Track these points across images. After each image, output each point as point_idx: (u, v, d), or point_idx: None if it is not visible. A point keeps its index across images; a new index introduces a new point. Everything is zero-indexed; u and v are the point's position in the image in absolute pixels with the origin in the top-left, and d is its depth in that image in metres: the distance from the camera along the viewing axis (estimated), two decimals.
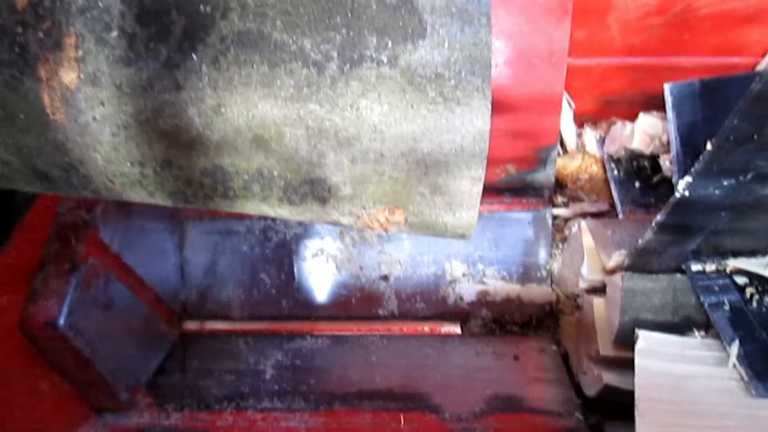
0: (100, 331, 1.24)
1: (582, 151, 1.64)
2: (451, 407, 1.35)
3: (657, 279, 1.19)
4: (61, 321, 1.13)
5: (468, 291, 1.65)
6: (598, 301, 1.31)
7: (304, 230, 1.69)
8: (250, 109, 0.72)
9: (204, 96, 0.72)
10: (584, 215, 1.61)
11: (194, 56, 0.71)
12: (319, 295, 1.67)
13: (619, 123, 1.59)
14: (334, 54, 0.71)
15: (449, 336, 1.62)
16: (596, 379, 1.28)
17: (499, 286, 1.65)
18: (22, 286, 1.16)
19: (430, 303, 1.66)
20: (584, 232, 1.40)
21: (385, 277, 1.67)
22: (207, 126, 0.73)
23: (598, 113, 1.65)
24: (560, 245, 1.64)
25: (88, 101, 0.73)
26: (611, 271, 1.27)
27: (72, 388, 1.27)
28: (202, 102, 0.72)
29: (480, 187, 0.77)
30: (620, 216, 1.54)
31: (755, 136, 0.88)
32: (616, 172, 1.59)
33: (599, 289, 1.35)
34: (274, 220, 1.67)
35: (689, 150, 1.35)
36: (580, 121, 1.68)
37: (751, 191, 0.98)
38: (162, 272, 1.60)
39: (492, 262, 1.66)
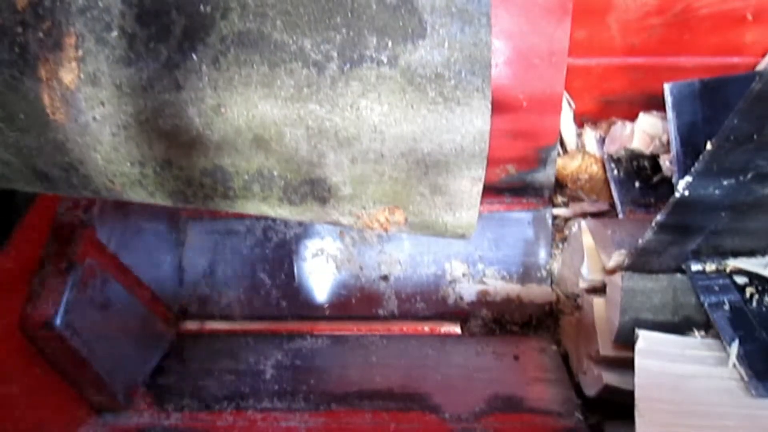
0: (97, 331, 1.24)
1: (582, 151, 1.64)
2: (451, 407, 1.35)
3: (657, 279, 1.19)
4: (58, 321, 1.13)
5: (468, 291, 1.65)
6: (598, 301, 1.31)
7: (304, 230, 1.69)
8: (250, 109, 0.72)
9: (204, 96, 0.72)
10: (584, 215, 1.61)
11: (194, 56, 0.71)
12: (319, 295, 1.68)
13: (619, 123, 1.59)
14: (334, 54, 0.71)
15: (449, 336, 1.62)
16: (596, 379, 1.28)
17: (499, 286, 1.65)
18: (22, 286, 1.16)
19: (430, 303, 1.66)
20: (584, 232, 1.40)
21: (385, 277, 1.67)
22: (207, 126, 0.73)
23: (598, 113, 1.65)
24: (560, 245, 1.64)
25: (88, 101, 0.73)
26: (611, 271, 1.27)
27: (72, 388, 1.27)
28: (202, 102, 0.72)
29: (480, 187, 0.77)
30: (620, 216, 1.54)
31: (755, 136, 0.88)
32: (616, 172, 1.59)
33: (599, 289, 1.35)
34: (274, 220, 1.67)
35: (689, 150, 1.35)
36: (580, 121, 1.68)
37: (751, 191, 0.98)
38: (160, 272, 1.60)
39: (492, 262, 1.66)
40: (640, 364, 1.09)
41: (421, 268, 1.67)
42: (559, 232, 1.65)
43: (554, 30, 1.40)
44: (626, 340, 1.19)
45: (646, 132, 1.50)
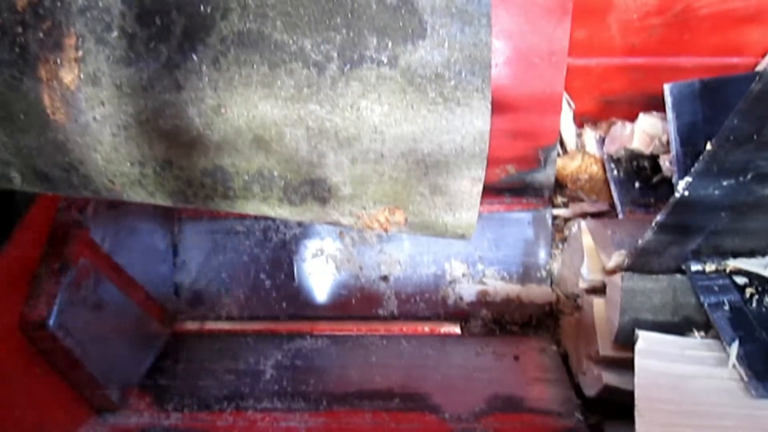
0: (91, 331, 1.24)
1: (582, 151, 1.64)
2: (451, 407, 1.35)
3: (657, 279, 1.19)
4: (51, 321, 1.13)
5: (468, 291, 1.65)
6: (598, 301, 1.31)
7: (304, 230, 1.69)
8: (250, 110, 0.72)
9: (204, 96, 0.72)
10: (584, 215, 1.61)
11: (194, 56, 0.71)
12: (319, 295, 1.68)
13: (619, 123, 1.59)
14: (335, 54, 0.71)
15: (449, 336, 1.62)
16: (596, 379, 1.28)
17: (499, 286, 1.65)
18: (22, 286, 1.16)
19: (430, 303, 1.66)
20: (584, 232, 1.40)
21: (385, 278, 1.67)
22: (207, 126, 0.73)
23: (598, 113, 1.65)
24: (560, 245, 1.64)
25: (88, 101, 0.73)
26: (611, 271, 1.27)
27: (72, 388, 1.27)
28: (203, 102, 0.72)
29: (480, 188, 0.77)
30: (620, 216, 1.54)
31: (755, 136, 0.88)
32: (616, 172, 1.59)
33: (599, 289, 1.35)
34: (273, 220, 1.67)
35: (689, 150, 1.35)
36: (580, 121, 1.68)
37: (751, 191, 0.98)
38: (155, 272, 1.60)
39: (492, 262, 1.66)
40: (640, 365, 1.09)
41: (421, 269, 1.67)
42: (559, 232, 1.65)
43: (554, 30, 1.40)
44: (626, 341, 1.19)
45: (646, 132, 1.50)
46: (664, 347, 1.13)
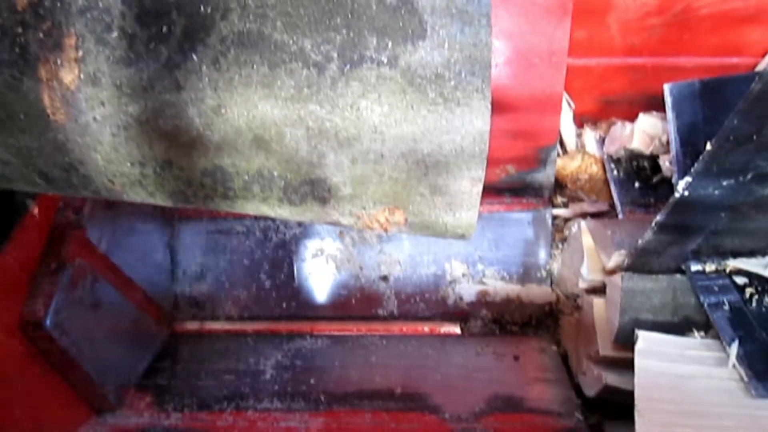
0: (87, 331, 1.25)
1: (582, 151, 1.65)
2: (451, 407, 1.35)
3: (657, 279, 1.19)
4: (47, 321, 1.13)
5: (468, 291, 1.65)
6: (598, 302, 1.31)
7: (304, 230, 1.69)
8: (250, 110, 0.72)
9: (204, 96, 0.72)
10: (584, 215, 1.61)
11: (194, 57, 0.71)
12: (319, 295, 1.68)
13: (619, 123, 1.59)
14: (335, 55, 0.71)
15: (449, 336, 1.62)
16: (596, 379, 1.28)
17: (498, 286, 1.65)
18: (22, 286, 1.16)
19: (430, 303, 1.66)
20: (584, 232, 1.40)
21: (384, 278, 1.67)
22: (207, 126, 0.73)
23: (598, 113, 1.65)
24: (560, 245, 1.64)
25: (88, 101, 0.73)
26: (611, 272, 1.27)
27: (72, 388, 1.27)
28: (203, 102, 0.72)
29: (480, 188, 0.77)
30: (620, 216, 1.54)
31: (755, 136, 0.88)
32: (615, 172, 1.59)
33: (599, 289, 1.35)
34: (273, 220, 1.67)
35: (689, 150, 1.35)
36: (580, 121, 1.68)
37: (751, 191, 0.98)
38: (153, 272, 1.60)
39: (492, 262, 1.66)
40: (640, 365, 1.09)
41: (420, 269, 1.67)
42: (559, 232, 1.65)
43: (554, 30, 1.40)
44: (626, 341, 1.19)
45: (646, 132, 1.50)
46: (664, 347, 1.13)
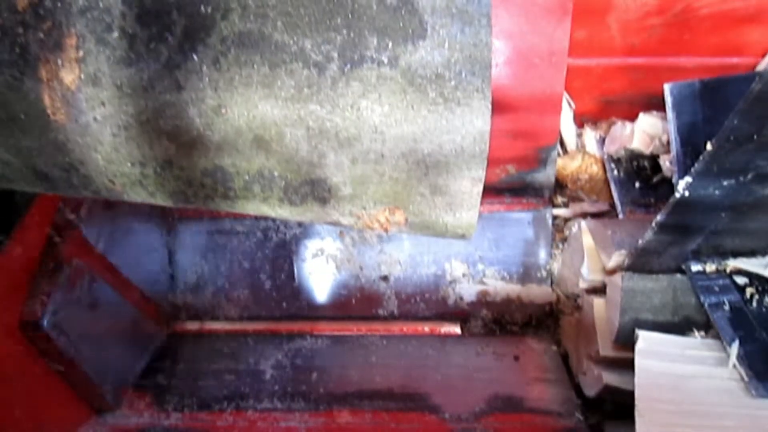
0: (85, 331, 1.25)
1: (582, 151, 1.65)
2: (451, 407, 1.35)
3: (657, 279, 1.19)
4: (44, 321, 1.14)
5: (468, 291, 1.65)
6: (598, 301, 1.31)
7: (304, 230, 1.69)
8: (250, 110, 0.72)
9: (205, 96, 0.72)
10: (584, 215, 1.61)
11: (195, 57, 0.71)
12: (319, 295, 1.68)
13: (619, 123, 1.59)
14: (335, 55, 0.71)
15: (449, 336, 1.62)
16: (596, 379, 1.28)
17: (499, 286, 1.65)
18: (23, 286, 1.16)
19: (430, 303, 1.66)
20: (584, 232, 1.40)
21: (385, 278, 1.67)
22: (208, 126, 0.73)
23: (598, 113, 1.65)
24: (560, 245, 1.64)
25: (88, 102, 0.73)
26: (611, 271, 1.27)
27: (70, 388, 1.27)
28: (203, 102, 0.72)
29: (480, 188, 0.77)
30: (620, 216, 1.54)
31: (755, 136, 0.88)
32: (616, 172, 1.59)
33: (599, 289, 1.35)
34: (273, 220, 1.67)
35: (689, 150, 1.35)
36: (580, 121, 1.68)
37: (751, 191, 0.98)
38: (151, 272, 1.60)
39: (492, 262, 1.66)
40: (640, 364, 1.09)
41: (421, 269, 1.67)
42: (559, 232, 1.65)
43: (554, 30, 1.40)
44: (626, 341, 1.19)
45: (646, 132, 1.50)
46: (665, 347, 1.13)
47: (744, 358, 1.06)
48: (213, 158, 0.76)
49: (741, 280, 1.15)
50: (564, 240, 1.61)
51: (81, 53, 0.71)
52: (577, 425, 1.30)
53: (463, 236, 0.83)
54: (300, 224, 1.68)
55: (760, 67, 1.47)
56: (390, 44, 0.71)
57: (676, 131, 1.37)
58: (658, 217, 1.06)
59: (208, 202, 0.82)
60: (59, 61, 0.72)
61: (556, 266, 1.63)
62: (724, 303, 1.13)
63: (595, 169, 1.62)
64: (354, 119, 0.72)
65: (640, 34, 1.47)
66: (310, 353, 1.55)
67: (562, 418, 1.32)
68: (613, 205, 1.59)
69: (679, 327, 1.17)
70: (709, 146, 0.91)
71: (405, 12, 0.71)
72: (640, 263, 1.19)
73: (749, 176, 0.95)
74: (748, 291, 1.14)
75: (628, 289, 1.18)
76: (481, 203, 0.79)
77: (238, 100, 0.72)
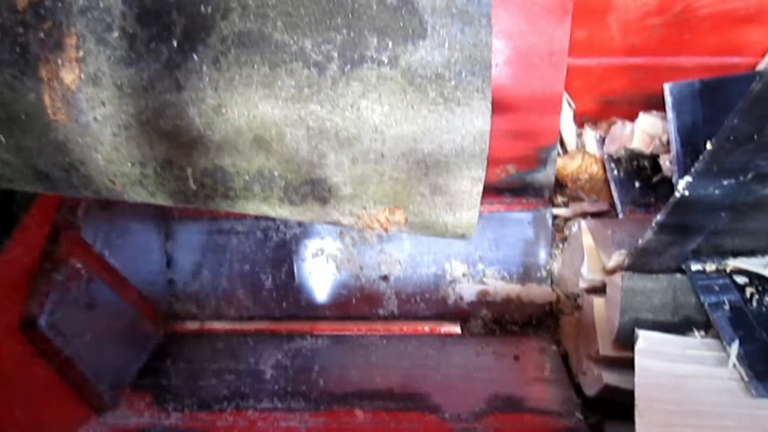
0: (82, 331, 1.25)
1: (582, 151, 1.65)
2: (451, 407, 1.35)
3: (657, 279, 1.19)
4: (41, 321, 1.14)
5: (468, 291, 1.65)
6: (598, 301, 1.31)
7: (304, 230, 1.69)
8: (250, 110, 0.72)
9: (205, 96, 0.72)
10: (584, 215, 1.61)
11: (195, 57, 0.71)
12: (319, 295, 1.68)
13: (619, 123, 1.59)
14: (335, 54, 0.71)
15: (449, 336, 1.62)
16: (596, 379, 1.28)
17: (499, 286, 1.65)
18: (22, 286, 1.16)
19: (430, 303, 1.66)
20: (584, 232, 1.40)
21: (385, 277, 1.67)
22: (208, 126, 0.73)
23: (598, 113, 1.65)
24: (560, 245, 1.64)
25: (89, 101, 0.73)
26: (611, 271, 1.27)
27: (70, 388, 1.27)
28: (203, 102, 0.72)
29: (480, 188, 0.77)
30: (620, 216, 1.54)
31: (755, 136, 0.88)
32: (616, 172, 1.59)
33: (599, 289, 1.35)
34: (273, 220, 1.67)
35: (689, 150, 1.35)
36: (580, 121, 1.68)
37: (751, 191, 0.98)
38: (149, 272, 1.60)
39: (492, 262, 1.66)
40: (640, 364, 1.09)
41: (421, 268, 1.67)
42: (559, 232, 1.65)
43: (554, 30, 1.40)
44: (626, 340, 1.19)
45: (646, 132, 1.50)
46: (665, 347, 1.13)
47: (744, 357, 1.06)
48: (213, 158, 0.76)
49: (741, 280, 1.15)
50: (564, 240, 1.62)
51: (81, 53, 0.71)
52: (577, 425, 1.30)
53: (463, 236, 0.84)
54: (300, 224, 1.68)
55: (760, 67, 1.47)
56: (390, 44, 0.71)
57: (676, 131, 1.37)
58: (658, 217, 1.06)
59: (208, 202, 0.82)
60: (59, 61, 0.72)
61: (556, 266, 1.63)
62: (724, 303, 1.13)
63: (595, 168, 1.62)
64: (354, 119, 0.72)
65: (640, 34, 1.47)
66: (310, 353, 1.55)
67: (562, 417, 1.32)
68: (613, 205, 1.59)
69: (679, 327, 1.17)
70: (709, 146, 0.91)
71: (405, 12, 0.71)
72: (640, 263, 1.19)
73: (749, 176, 0.95)
74: (748, 291, 1.14)
75: (628, 289, 1.18)
76: (481, 203, 0.79)
77: (238, 100, 0.72)
